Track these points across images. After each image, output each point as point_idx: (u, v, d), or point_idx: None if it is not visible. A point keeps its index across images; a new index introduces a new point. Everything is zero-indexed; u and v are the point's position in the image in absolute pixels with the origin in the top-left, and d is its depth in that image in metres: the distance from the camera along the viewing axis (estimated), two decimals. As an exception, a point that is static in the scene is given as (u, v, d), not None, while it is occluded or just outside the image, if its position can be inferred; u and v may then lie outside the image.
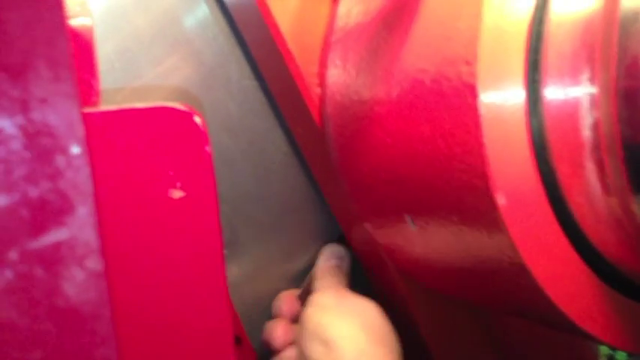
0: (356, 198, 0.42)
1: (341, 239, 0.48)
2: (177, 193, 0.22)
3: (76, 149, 0.13)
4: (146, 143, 0.22)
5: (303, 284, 0.47)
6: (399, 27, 0.36)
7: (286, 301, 0.45)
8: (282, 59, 0.43)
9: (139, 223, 0.21)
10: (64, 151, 0.13)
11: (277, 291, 0.48)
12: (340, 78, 0.40)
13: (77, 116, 0.13)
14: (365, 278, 0.48)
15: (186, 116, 0.22)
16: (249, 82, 0.47)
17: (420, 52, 0.34)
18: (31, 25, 0.13)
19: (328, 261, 0.46)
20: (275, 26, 0.42)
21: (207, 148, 0.22)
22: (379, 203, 0.40)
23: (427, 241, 0.38)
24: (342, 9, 0.41)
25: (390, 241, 0.42)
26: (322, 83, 0.42)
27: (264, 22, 0.43)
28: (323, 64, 0.42)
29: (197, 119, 0.22)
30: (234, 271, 0.46)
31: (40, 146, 0.13)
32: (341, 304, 0.41)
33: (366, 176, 0.40)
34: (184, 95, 0.44)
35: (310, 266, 0.48)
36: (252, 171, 0.47)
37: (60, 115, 0.13)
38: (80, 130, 0.13)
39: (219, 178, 0.25)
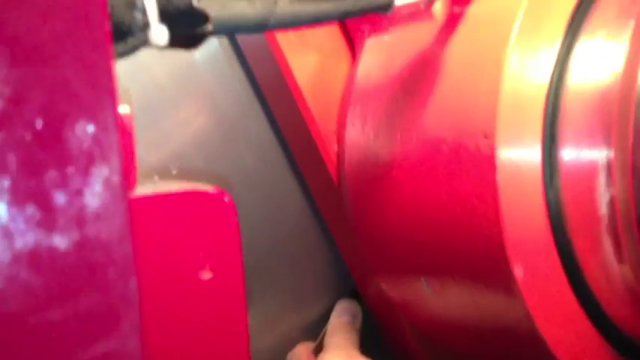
0: (371, 255, 0.43)
1: (354, 292, 0.48)
2: (206, 275, 0.23)
3: (124, 263, 0.14)
4: (179, 226, 0.22)
5: (319, 338, 0.47)
6: (418, 93, 0.37)
7: (300, 355, 0.45)
8: (300, 116, 0.44)
9: (171, 304, 0.22)
10: (115, 263, 0.13)
11: (289, 342, 0.48)
12: (358, 138, 0.41)
13: (127, 231, 0.13)
14: (377, 331, 0.48)
15: (217, 200, 0.23)
16: (268, 136, 0.48)
17: (439, 121, 0.35)
18: (87, 141, 0.14)
19: (341, 317, 0.46)
20: (294, 83, 0.43)
21: (237, 231, 0.23)
22: (394, 263, 0.41)
23: (442, 303, 0.38)
24: (362, 70, 0.42)
25: (403, 299, 0.42)
26: (340, 141, 0.43)
27: (284, 79, 0.44)
28: (341, 123, 0.43)
29: (227, 202, 0.23)
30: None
31: (91, 259, 0.13)
32: None
33: (382, 236, 0.40)
34: (213, 176, 0.45)
35: (324, 318, 0.48)
36: (267, 223, 0.47)
37: (111, 229, 0.13)
38: (128, 245, 0.14)
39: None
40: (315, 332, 0.48)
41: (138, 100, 0.46)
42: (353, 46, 0.44)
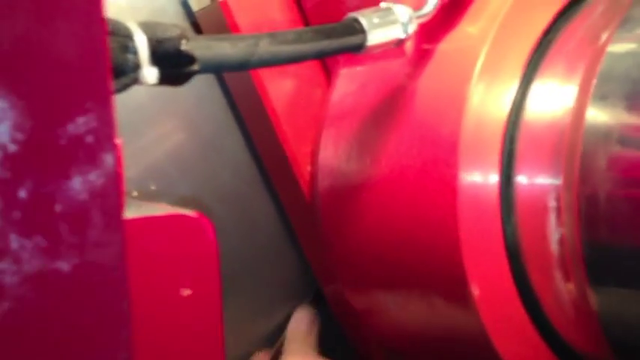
0: (340, 271, 0.45)
1: (318, 296, 0.49)
2: (186, 292, 0.24)
3: (119, 285, 0.15)
4: (162, 247, 0.24)
5: (276, 345, 0.48)
6: (388, 122, 0.39)
7: None
8: (276, 137, 0.46)
9: (152, 318, 0.24)
10: (109, 285, 0.15)
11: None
12: (331, 161, 0.43)
13: (122, 257, 0.15)
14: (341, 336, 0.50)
15: (198, 223, 0.25)
16: (243, 155, 0.49)
17: (406, 149, 0.37)
18: (91, 176, 0.16)
19: (298, 324, 0.47)
20: (271, 107, 0.45)
21: (215, 252, 0.25)
22: (361, 279, 0.43)
23: (405, 318, 0.41)
24: (336, 97, 0.45)
25: (369, 312, 0.44)
26: (313, 162, 0.45)
27: (262, 102, 0.46)
28: (315, 145, 0.45)
29: (207, 226, 0.25)
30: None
31: (90, 282, 0.15)
32: None
33: (350, 253, 0.42)
34: (193, 202, 0.46)
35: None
36: (241, 238, 0.49)
37: (109, 255, 0.15)
38: (124, 269, 0.15)
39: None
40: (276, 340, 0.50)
41: (119, 116, 0.47)
42: (329, 74, 0.46)
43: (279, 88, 0.46)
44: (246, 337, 0.50)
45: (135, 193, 0.45)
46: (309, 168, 0.46)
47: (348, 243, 0.42)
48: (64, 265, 0.15)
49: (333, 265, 0.45)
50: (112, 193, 0.16)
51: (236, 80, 0.47)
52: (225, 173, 0.49)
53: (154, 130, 0.48)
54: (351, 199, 0.41)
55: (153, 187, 0.48)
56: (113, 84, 0.22)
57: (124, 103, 0.48)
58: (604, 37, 0.33)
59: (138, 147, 0.48)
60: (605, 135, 0.31)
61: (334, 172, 0.43)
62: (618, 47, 0.32)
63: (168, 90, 0.49)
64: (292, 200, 0.47)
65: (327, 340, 0.50)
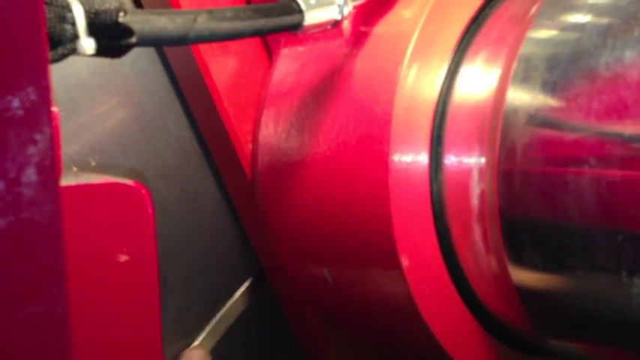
0: (280, 248, 0.46)
1: (261, 277, 0.51)
2: (123, 257, 0.25)
3: (54, 241, 0.16)
4: (100, 214, 0.25)
5: None
6: (325, 101, 0.41)
7: None
8: (218, 115, 0.47)
9: (90, 283, 0.24)
10: (43, 233, 0.16)
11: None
12: (271, 139, 0.44)
13: (57, 214, 0.16)
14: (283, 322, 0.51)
15: (135, 191, 0.26)
16: (186, 133, 0.50)
17: (343, 128, 0.39)
18: (24, 137, 0.16)
19: None
20: (213, 85, 0.46)
21: (152, 219, 0.26)
22: (300, 254, 0.45)
23: (340, 290, 0.43)
24: (277, 76, 0.46)
25: (308, 286, 0.46)
26: (254, 140, 0.46)
27: (204, 80, 0.46)
28: (256, 124, 0.46)
29: (144, 193, 0.26)
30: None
31: (24, 233, 0.16)
32: None
33: (290, 230, 0.44)
34: (131, 168, 0.46)
35: (234, 304, 0.51)
36: (183, 215, 0.50)
37: (44, 211, 0.16)
38: (59, 226, 0.16)
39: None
40: (225, 317, 0.51)
41: (59, 92, 0.47)
42: (270, 53, 0.47)
43: (222, 67, 0.46)
44: (187, 316, 0.50)
45: (75, 169, 0.45)
46: (250, 146, 0.47)
47: (286, 219, 0.44)
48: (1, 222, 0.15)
49: (273, 241, 0.46)
50: (47, 157, 0.16)
51: (178, 58, 0.48)
52: (168, 151, 0.49)
53: (95, 106, 0.48)
54: (290, 175, 0.43)
55: (93, 164, 0.48)
56: (51, 53, 0.22)
57: (65, 80, 0.48)
58: (526, 21, 0.35)
59: (79, 125, 0.47)
60: (523, 117, 0.33)
61: (274, 150, 0.44)
62: (538, 32, 0.34)
63: (109, 67, 0.49)
64: (233, 178, 0.48)
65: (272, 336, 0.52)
